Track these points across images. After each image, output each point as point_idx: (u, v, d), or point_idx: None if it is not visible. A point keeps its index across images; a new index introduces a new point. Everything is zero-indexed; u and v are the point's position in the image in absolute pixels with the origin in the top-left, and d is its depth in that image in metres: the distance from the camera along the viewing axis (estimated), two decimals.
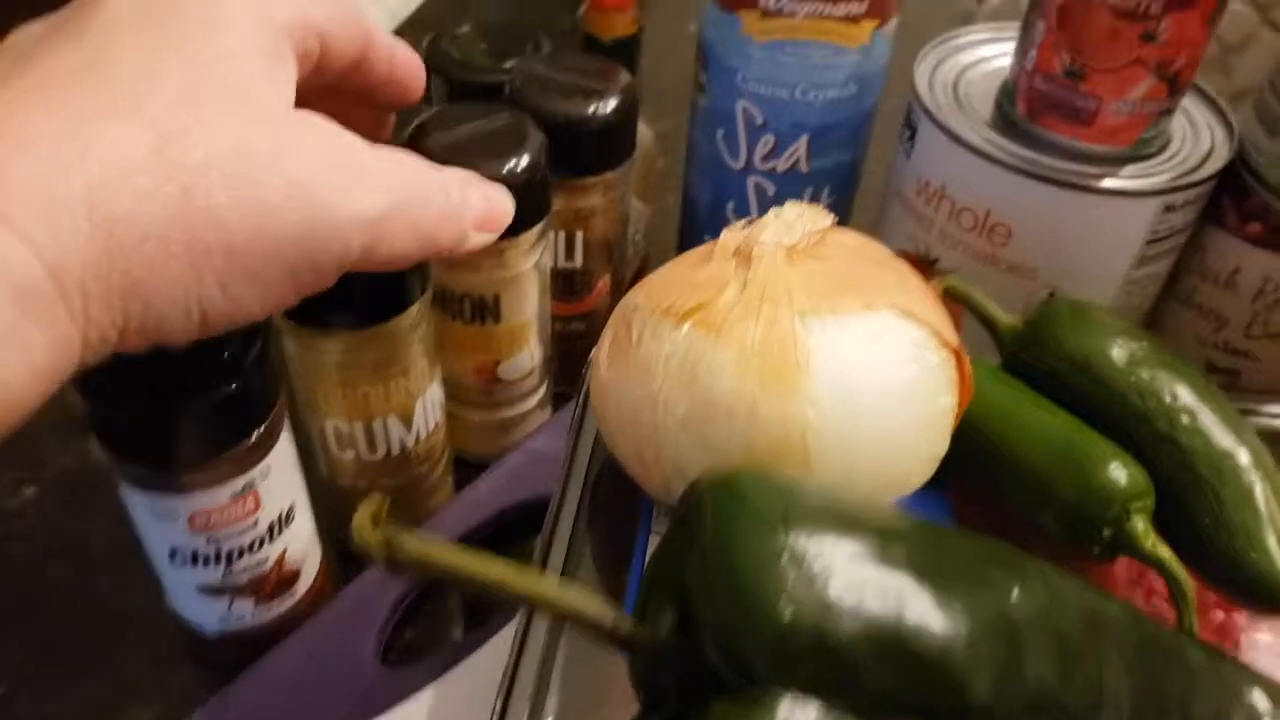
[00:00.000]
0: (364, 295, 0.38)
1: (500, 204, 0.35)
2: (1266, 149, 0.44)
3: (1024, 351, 0.39)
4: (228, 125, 0.26)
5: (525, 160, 0.40)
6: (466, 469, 0.49)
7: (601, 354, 0.35)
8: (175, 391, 0.33)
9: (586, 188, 0.47)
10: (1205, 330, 0.49)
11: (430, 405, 0.43)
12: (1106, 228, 0.45)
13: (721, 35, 0.48)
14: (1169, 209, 0.44)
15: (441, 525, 0.46)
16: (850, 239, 0.35)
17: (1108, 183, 0.43)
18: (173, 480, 0.35)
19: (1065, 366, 0.38)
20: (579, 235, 0.48)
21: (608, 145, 0.46)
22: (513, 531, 0.47)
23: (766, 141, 0.50)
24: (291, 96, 0.28)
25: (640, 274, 0.60)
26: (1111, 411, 0.36)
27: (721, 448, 0.30)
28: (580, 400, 0.41)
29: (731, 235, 0.34)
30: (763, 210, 0.52)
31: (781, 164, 0.51)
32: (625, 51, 0.50)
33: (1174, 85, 0.44)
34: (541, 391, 0.50)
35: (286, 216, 0.26)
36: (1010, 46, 0.51)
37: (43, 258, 0.22)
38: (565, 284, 0.50)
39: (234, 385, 0.34)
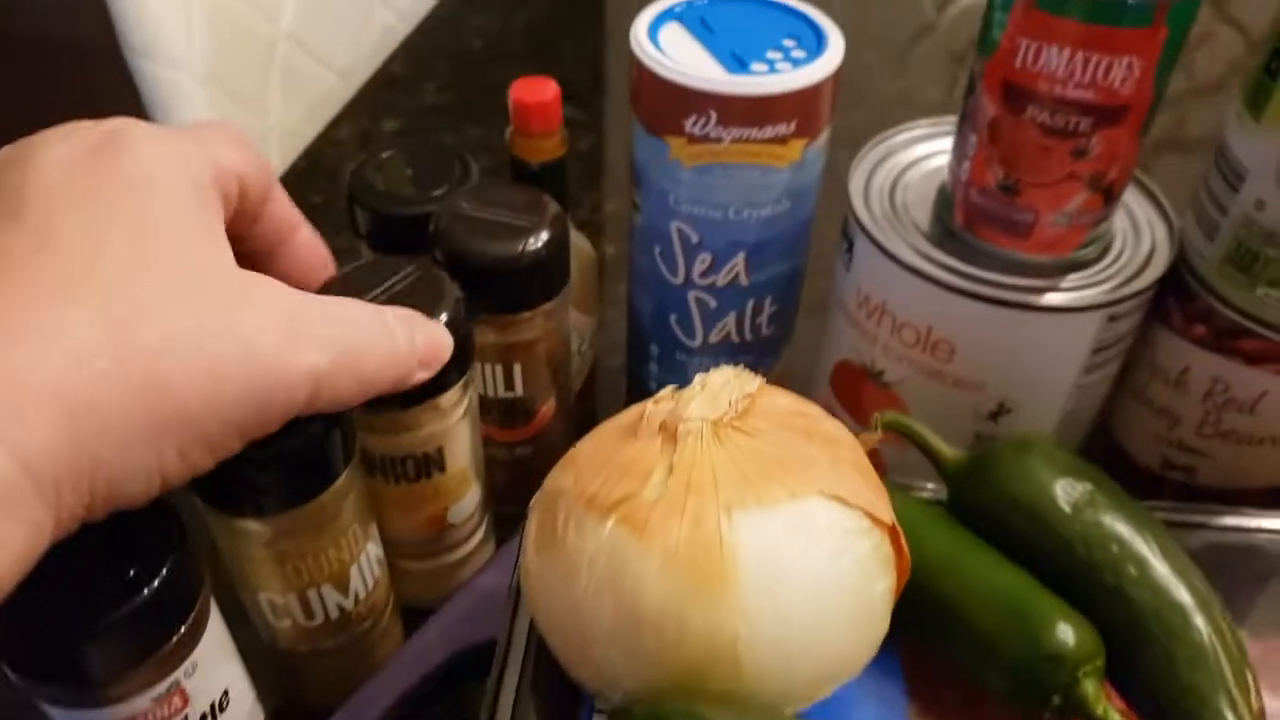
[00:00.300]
0: (288, 476, 0.37)
1: (440, 342, 0.36)
2: (1207, 253, 0.44)
3: (969, 490, 0.38)
4: (178, 298, 0.26)
5: (444, 319, 0.39)
6: (415, 612, 0.48)
7: (529, 539, 0.34)
8: (87, 606, 0.32)
9: (521, 322, 0.46)
10: (1159, 427, 0.48)
11: (367, 566, 0.42)
12: (1051, 342, 0.44)
13: (650, 158, 0.47)
14: (1113, 319, 0.43)
15: (391, 678, 0.45)
16: (780, 401, 0.34)
17: (1049, 299, 0.43)
18: (91, 696, 0.33)
19: (1010, 511, 0.37)
20: (516, 367, 0.47)
21: (540, 280, 0.45)
22: (467, 674, 0.46)
23: (704, 259, 0.49)
24: (227, 248, 0.29)
25: (590, 382, 0.59)
26: (1058, 559, 0.35)
27: (650, 658, 0.29)
28: (518, 566, 0.40)
29: (657, 408, 0.33)
30: (705, 322, 0.52)
31: (721, 279, 0.50)
32: (553, 175, 0.49)
33: (1109, 195, 0.43)
34: (483, 528, 0.49)
35: (237, 381, 0.27)
36: (948, 144, 0.51)
37: (15, 455, 0.23)
38: (508, 412, 0.49)
39: (152, 587, 0.33)
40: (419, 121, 0.86)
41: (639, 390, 0.58)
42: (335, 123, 0.85)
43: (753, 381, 0.34)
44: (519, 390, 0.48)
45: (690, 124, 0.44)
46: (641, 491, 0.31)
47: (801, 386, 0.57)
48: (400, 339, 0.33)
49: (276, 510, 0.37)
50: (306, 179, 0.78)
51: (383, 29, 1.28)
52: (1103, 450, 0.52)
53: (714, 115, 0.44)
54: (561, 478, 0.33)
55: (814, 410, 0.34)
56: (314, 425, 0.35)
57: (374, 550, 0.43)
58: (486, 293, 0.43)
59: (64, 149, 0.28)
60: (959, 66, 1.01)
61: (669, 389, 0.35)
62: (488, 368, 0.46)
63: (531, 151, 0.49)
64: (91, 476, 0.25)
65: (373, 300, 0.38)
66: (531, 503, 0.35)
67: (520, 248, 0.43)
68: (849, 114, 0.49)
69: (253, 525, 0.38)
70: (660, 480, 0.31)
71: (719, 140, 0.45)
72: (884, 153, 0.50)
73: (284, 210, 0.36)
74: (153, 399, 0.25)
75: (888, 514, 0.32)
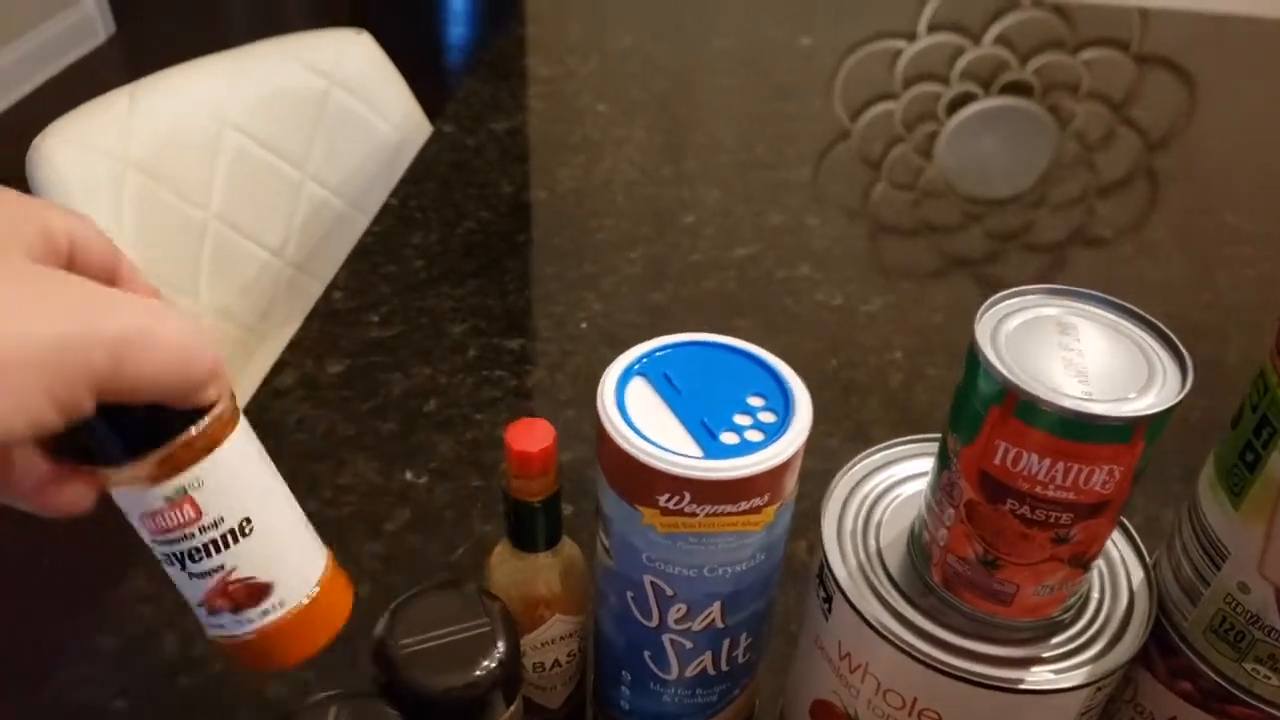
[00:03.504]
0: None
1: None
2: (1189, 614, 0.43)
3: None
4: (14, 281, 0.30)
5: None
6: None
7: None
8: None
9: None
10: None
11: None
12: (1037, 715, 0.43)
13: (620, 516, 0.46)
14: (1099, 690, 0.43)
15: None
16: None
17: (1034, 678, 0.42)
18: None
19: None
20: None
21: (504, 689, 0.43)
22: None
23: (679, 609, 0.48)
24: (38, 263, 0.33)
25: (581, 688, 0.57)
26: None
27: None
28: None
29: None
30: (681, 660, 0.50)
31: (697, 625, 0.48)
32: (549, 507, 0.49)
33: (1089, 565, 0.43)
34: None
35: (37, 326, 0.29)
36: (916, 468, 0.50)
37: None
38: None
39: None
40: (363, 359, 0.84)
41: (609, 711, 0.56)
42: (277, 369, 0.82)
43: None
44: None
45: (664, 500, 0.43)
46: None
47: (770, 700, 0.56)
48: (202, 335, 0.34)
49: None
50: None
51: (315, 203, 1.28)
52: None
53: (688, 495, 0.43)
54: None
55: None
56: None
57: None
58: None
59: None
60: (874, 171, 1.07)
61: None
62: None
63: (531, 493, 0.48)
64: None
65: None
66: None
67: (475, 673, 0.41)
68: None
69: None
70: None
71: (693, 514, 0.44)
72: (852, 482, 0.50)
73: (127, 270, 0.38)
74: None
75: None
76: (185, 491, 0.36)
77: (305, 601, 0.40)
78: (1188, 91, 1.30)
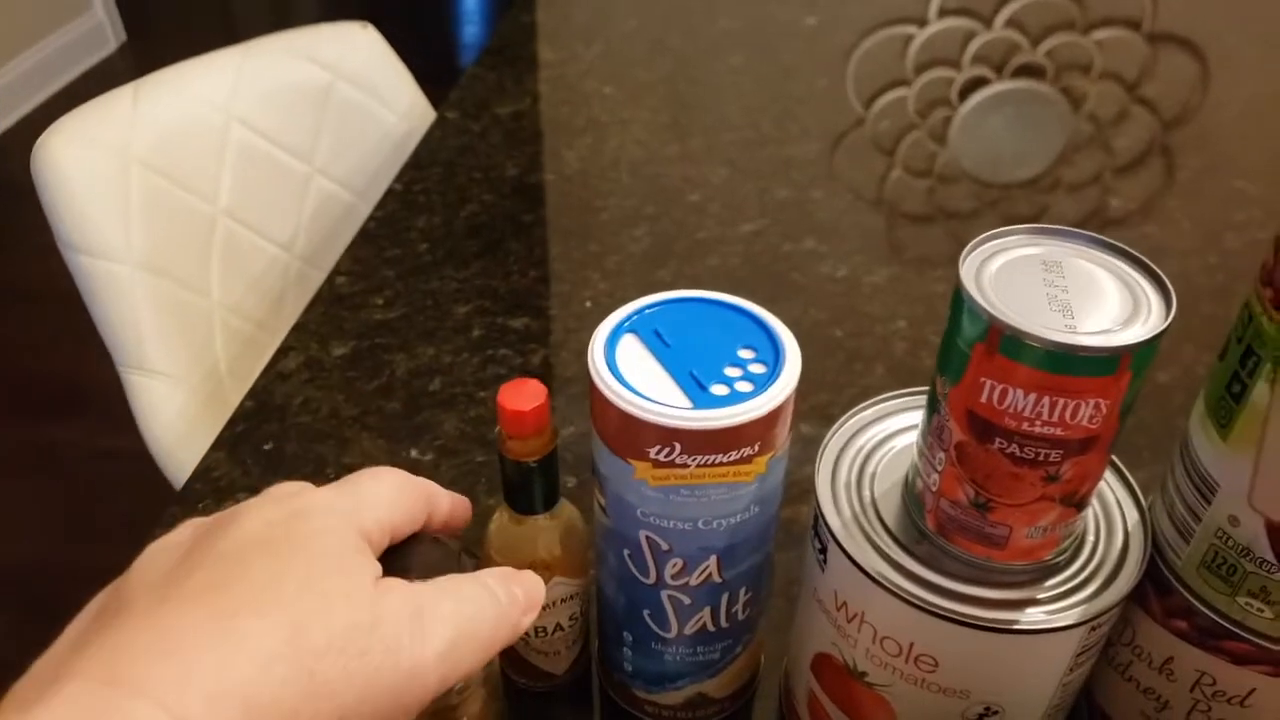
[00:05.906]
0: None
1: (537, 588, 0.40)
2: (1182, 552, 0.43)
3: None
4: (337, 609, 0.32)
5: None
6: None
7: None
8: None
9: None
10: (1146, 707, 0.48)
11: None
12: (1034, 656, 0.43)
13: (614, 473, 0.46)
14: (1094, 629, 0.43)
15: None
16: None
17: (1028, 619, 0.42)
18: None
19: None
20: None
21: None
22: None
23: (675, 564, 0.48)
24: (369, 572, 0.35)
25: (585, 652, 0.58)
26: None
27: None
28: None
29: None
30: (680, 616, 0.50)
31: (694, 580, 0.49)
32: (546, 467, 0.49)
33: (1081, 505, 0.43)
34: None
35: (384, 676, 0.32)
36: (909, 420, 0.50)
37: None
38: None
39: None
40: (367, 341, 0.84)
41: (614, 674, 0.57)
42: (281, 353, 0.83)
43: None
44: None
45: (654, 452, 0.44)
46: None
47: (775, 660, 0.56)
48: (502, 598, 0.37)
49: None
50: (255, 420, 0.77)
51: (323, 196, 1.28)
52: (1087, 716, 0.51)
53: (678, 446, 0.43)
54: None
55: None
56: None
57: None
58: None
59: (261, 518, 0.34)
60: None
61: None
62: None
63: (526, 453, 0.48)
64: None
65: None
66: None
67: None
68: None
69: None
70: None
71: (684, 466, 0.44)
72: (847, 435, 0.50)
73: (445, 511, 0.42)
74: (317, 694, 0.30)
75: None
76: None
77: None
78: (1200, 67, 1.29)
